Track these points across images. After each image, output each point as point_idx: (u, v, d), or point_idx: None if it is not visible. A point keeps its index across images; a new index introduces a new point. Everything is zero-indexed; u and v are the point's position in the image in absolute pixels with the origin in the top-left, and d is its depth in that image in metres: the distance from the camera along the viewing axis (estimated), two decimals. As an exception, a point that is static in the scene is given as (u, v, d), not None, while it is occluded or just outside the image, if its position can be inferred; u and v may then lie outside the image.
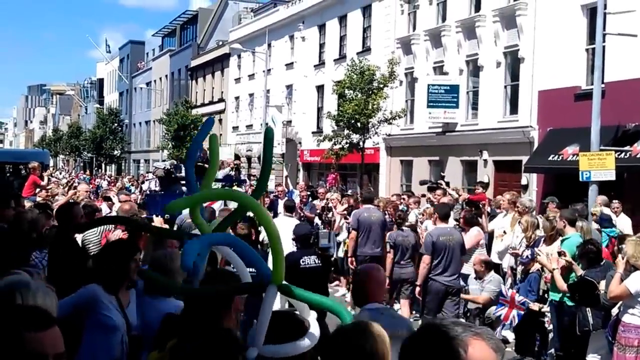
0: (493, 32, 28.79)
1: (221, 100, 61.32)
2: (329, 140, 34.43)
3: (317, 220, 20.53)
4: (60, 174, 57.96)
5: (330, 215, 20.68)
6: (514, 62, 28.27)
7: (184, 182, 23.24)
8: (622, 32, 20.40)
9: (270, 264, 4.11)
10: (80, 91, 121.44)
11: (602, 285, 9.88)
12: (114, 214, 14.54)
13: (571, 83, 24.53)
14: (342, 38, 42.33)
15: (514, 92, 28.22)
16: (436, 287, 12.46)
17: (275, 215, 18.16)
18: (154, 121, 75.63)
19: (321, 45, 44.75)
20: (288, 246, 10.59)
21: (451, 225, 13.21)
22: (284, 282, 4.01)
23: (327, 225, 20.26)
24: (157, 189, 24.88)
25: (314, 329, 4.09)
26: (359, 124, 32.33)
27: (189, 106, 61.43)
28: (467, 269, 14.14)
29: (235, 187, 25.38)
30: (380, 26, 37.65)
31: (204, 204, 7.18)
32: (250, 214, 7.13)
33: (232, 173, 25.70)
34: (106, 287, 5.70)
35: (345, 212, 18.71)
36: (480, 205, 16.53)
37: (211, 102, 63.48)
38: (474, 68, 30.54)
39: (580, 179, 18.77)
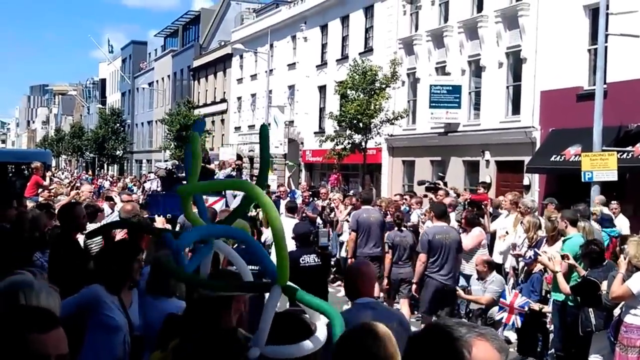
0: (495, 32, 28.77)
1: (223, 100, 61.32)
2: (331, 141, 34.42)
3: (318, 220, 20.56)
4: (63, 174, 57.98)
5: (332, 215, 20.71)
6: (516, 62, 28.25)
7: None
8: (624, 33, 20.39)
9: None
10: (83, 91, 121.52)
11: (604, 285, 9.88)
12: (115, 214, 14.54)
13: (573, 83, 24.51)
14: (345, 38, 42.33)
15: (516, 93, 28.20)
16: (433, 285, 12.55)
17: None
18: (156, 121, 75.68)
19: (323, 46, 44.73)
20: (290, 246, 10.69)
21: (447, 224, 13.22)
22: (289, 283, 4.00)
23: (328, 225, 20.30)
24: (159, 189, 24.89)
25: (321, 333, 4.08)
26: (361, 125, 32.34)
27: (191, 106, 61.45)
28: (470, 269, 14.15)
29: (236, 187, 25.44)
30: (383, 26, 37.65)
31: (206, 204, 7.17)
32: (250, 214, 7.13)
33: (234, 173, 25.71)
34: (109, 287, 5.70)
35: (348, 215, 18.73)
36: (483, 206, 16.51)
37: (213, 103, 63.48)
38: (476, 68, 30.51)
39: (583, 180, 18.77)
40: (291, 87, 48.46)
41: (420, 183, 23.39)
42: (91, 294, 5.65)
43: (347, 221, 18.35)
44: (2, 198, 10.66)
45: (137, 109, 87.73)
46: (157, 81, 78.91)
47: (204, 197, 6.27)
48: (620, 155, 19.84)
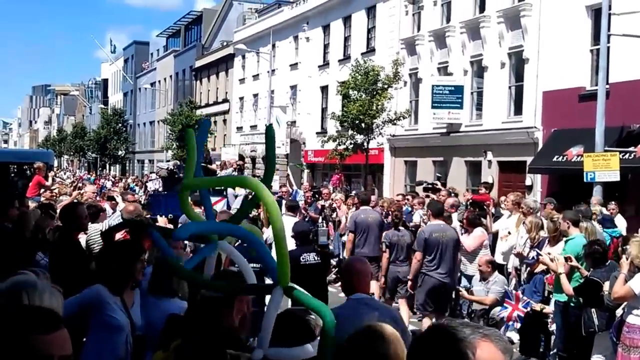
0: (497, 32, 28.77)
1: (225, 100, 61.33)
2: (333, 141, 34.41)
3: (321, 220, 20.57)
4: (65, 174, 58.03)
5: (334, 215, 20.71)
6: (518, 62, 28.25)
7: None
8: (626, 33, 20.38)
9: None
10: (85, 91, 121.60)
11: (606, 286, 9.87)
12: (117, 214, 14.55)
13: (576, 84, 24.50)
14: (347, 39, 42.34)
15: (519, 93, 28.20)
16: (431, 283, 12.60)
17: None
18: (158, 121, 75.70)
19: (325, 46, 44.72)
20: (290, 244, 10.78)
21: (445, 223, 13.24)
22: (290, 284, 3.99)
23: (330, 225, 20.29)
24: (161, 189, 24.92)
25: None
26: (363, 125, 32.31)
27: (193, 107, 61.49)
28: (472, 270, 14.14)
29: (237, 187, 25.44)
30: (385, 27, 37.64)
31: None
32: (251, 214, 7.13)
33: (235, 173, 25.74)
34: (111, 287, 5.70)
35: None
36: (485, 206, 16.50)
37: (215, 103, 63.49)
38: (479, 69, 30.52)
39: (585, 180, 18.78)
40: (293, 88, 48.46)
41: (419, 184, 23.41)
42: (93, 294, 5.65)
43: (351, 221, 18.38)
44: (4, 198, 10.66)
45: (139, 109, 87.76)
46: (159, 81, 78.92)
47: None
48: (623, 156, 19.84)
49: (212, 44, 69.09)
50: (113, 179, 52.94)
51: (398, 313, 7.62)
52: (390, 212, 17.42)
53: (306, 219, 19.08)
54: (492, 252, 15.00)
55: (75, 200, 15.81)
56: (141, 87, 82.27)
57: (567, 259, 10.96)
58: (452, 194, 19.13)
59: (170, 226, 12.42)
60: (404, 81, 34.27)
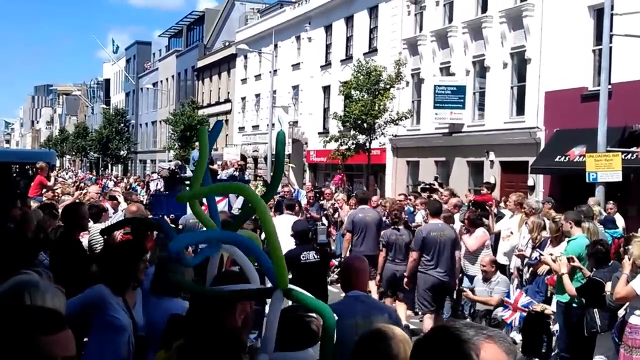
0: (500, 33, 28.76)
1: (227, 100, 61.34)
2: (335, 141, 34.42)
3: (323, 220, 20.56)
4: (67, 174, 58.05)
5: (336, 215, 20.71)
6: (520, 63, 28.24)
7: (188, 182, 23.24)
8: (629, 33, 20.37)
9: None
10: (87, 91, 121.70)
11: (608, 286, 9.86)
12: (119, 214, 14.56)
13: (578, 84, 24.49)
14: (349, 39, 42.33)
15: (521, 93, 28.19)
16: (431, 281, 12.65)
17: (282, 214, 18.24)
18: (160, 121, 75.71)
19: (328, 46, 44.73)
20: (289, 243, 11.08)
21: (443, 222, 13.25)
22: (290, 285, 3.98)
23: (332, 226, 20.29)
24: (162, 189, 24.94)
25: None
26: (365, 125, 32.32)
27: (196, 107, 61.49)
28: (474, 270, 14.13)
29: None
30: (387, 27, 37.64)
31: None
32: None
33: (236, 174, 25.75)
34: (113, 288, 5.70)
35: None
36: (487, 207, 16.48)
37: (217, 103, 63.51)
38: (481, 69, 30.52)
39: (587, 180, 18.77)
40: (295, 88, 48.48)
41: (417, 184, 23.44)
42: (96, 295, 5.65)
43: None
44: (7, 198, 10.66)
45: (141, 109, 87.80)
46: (161, 81, 78.93)
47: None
48: (625, 156, 19.83)
49: (214, 44, 69.10)
50: (115, 179, 52.95)
51: (394, 310, 7.88)
52: (393, 212, 17.42)
53: (308, 219, 19.08)
54: (495, 252, 14.98)
55: (77, 200, 15.84)
56: (143, 87, 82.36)
57: (569, 259, 10.95)
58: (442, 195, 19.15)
59: (172, 226, 12.42)
60: (406, 81, 34.29)
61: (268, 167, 45.29)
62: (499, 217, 16.65)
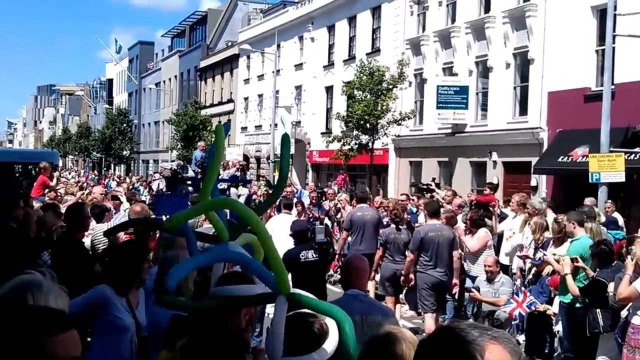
0: (503, 33, 28.74)
1: (230, 100, 61.38)
2: (338, 141, 34.42)
3: (327, 220, 20.54)
4: (70, 174, 58.07)
5: (339, 216, 20.71)
6: (523, 63, 28.22)
7: (190, 182, 23.27)
8: (632, 34, 20.36)
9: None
10: (90, 91, 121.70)
11: (610, 286, 9.85)
12: (122, 213, 14.58)
13: (581, 84, 24.47)
14: (352, 39, 42.32)
15: (524, 93, 28.17)
16: (431, 281, 12.71)
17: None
18: (163, 122, 75.70)
19: (330, 46, 44.74)
20: (287, 242, 11.38)
21: (441, 222, 13.27)
22: (293, 290, 3.95)
23: (335, 226, 20.28)
24: (165, 189, 24.93)
25: (329, 343, 4.07)
26: (368, 125, 32.33)
27: (198, 107, 61.48)
28: (475, 270, 14.12)
29: (240, 187, 25.48)
30: (390, 27, 37.63)
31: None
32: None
33: (238, 174, 25.75)
34: (117, 288, 5.70)
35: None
36: (490, 207, 16.47)
37: (220, 103, 63.53)
38: (484, 69, 30.50)
39: (590, 181, 18.75)
40: (298, 88, 48.50)
41: (413, 185, 23.39)
42: (99, 295, 5.65)
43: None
44: (9, 198, 10.66)
45: (144, 109, 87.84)
46: (164, 81, 79.00)
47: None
48: (628, 157, 19.82)
49: (217, 44, 69.13)
50: (118, 180, 52.96)
51: (390, 309, 8.13)
52: (395, 212, 17.42)
53: (311, 219, 19.08)
54: (497, 253, 14.96)
55: (80, 201, 15.86)
56: (146, 87, 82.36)
57: (574, 260, 10.94)
58: (445, 195, 19.13)
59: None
60: (408, 81, 34.29)
61: (270, 167, 45.28)
62: (502, 217, 16.63)
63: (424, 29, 34.86)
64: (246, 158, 52.66)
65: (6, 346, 2.47)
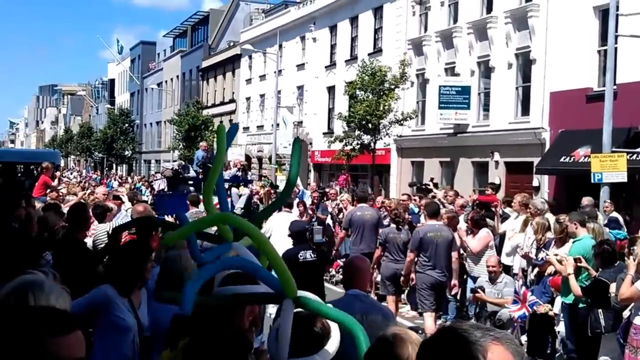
0: (505, 33, 28.72)
1: (232, 101, 61.36)
2: (339, 141, 34.39)
3: (329, 221, 20.54)
4: (71, 174, 58.11)
5: (340, 216, 20.70)
6: (525, 63, 28.20)
7: (191, 182, 23.29)
8: (634, 34, 20.35)
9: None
10: (92, 91, 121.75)
11: (612, 287, 9.84)
12: (123, 213, 14.60)
13: (583, 84, 24.46)
14: (354, 39, 42.32)
15: (526, 94, 28.16)
16: (430, 281, 12.82)
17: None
18: (165, 122, 75.78)
19: (332, 46, 44.71)
20: (286, 241, 11.60)
21: (440, 223, 13.31)
22: (300, 293, 3.95)
23: (338, 225, 20.28)
24: (166, 189, 24.97)
25: (330, 345, 4.07)
26: (370, 125, 32.32)
27: (200, 107, 61.49)
28: (477, 271, 14.11)
29: (242, 187, 25.50)
30: (392, 27, 37.62)
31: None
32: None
33: (239, 174, 25.76)
34: (119, 288, 5.69)
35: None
36: (492, 208, 16.46)
37: (222, 103, 63.52)
38: (486, 69, 30.48)
39: (592, 181, 18.74)
40: (300, 88, 48.48)
41: (411, 185, 23.36)
42: (101, 295, 5.64)
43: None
44: (11, 198, 10.66)
45: (145, 109, 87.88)
46: (166, 81, 79.03)
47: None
48: (630, 157, 19.79)
49: (219, 44, 69.13)
50: (120, 180, 52.98)
51: (390, 310, 8.23)
52: (396, 211, 17.42)
53: (313, 220, 19.08)
54: (499, 253, 14.94)
55: (82, 201, 15.87)
56: (148, 87, 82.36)
57: (577, 260, 10.93)
58: (447, 195, 19.14)
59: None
60: (410, 82, 34.26)
61: (272, 167, 45.27)
62: (505, 217, 16.62)
63: (426, 29, 34.84)
64: (248, 158, 52.66)
65: (10, 347, 2.46)
